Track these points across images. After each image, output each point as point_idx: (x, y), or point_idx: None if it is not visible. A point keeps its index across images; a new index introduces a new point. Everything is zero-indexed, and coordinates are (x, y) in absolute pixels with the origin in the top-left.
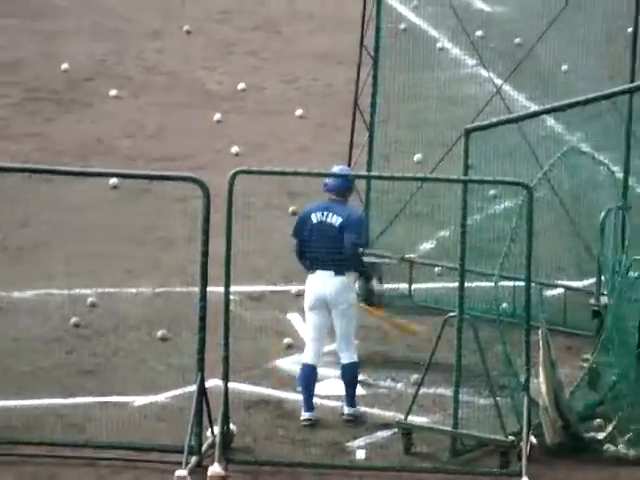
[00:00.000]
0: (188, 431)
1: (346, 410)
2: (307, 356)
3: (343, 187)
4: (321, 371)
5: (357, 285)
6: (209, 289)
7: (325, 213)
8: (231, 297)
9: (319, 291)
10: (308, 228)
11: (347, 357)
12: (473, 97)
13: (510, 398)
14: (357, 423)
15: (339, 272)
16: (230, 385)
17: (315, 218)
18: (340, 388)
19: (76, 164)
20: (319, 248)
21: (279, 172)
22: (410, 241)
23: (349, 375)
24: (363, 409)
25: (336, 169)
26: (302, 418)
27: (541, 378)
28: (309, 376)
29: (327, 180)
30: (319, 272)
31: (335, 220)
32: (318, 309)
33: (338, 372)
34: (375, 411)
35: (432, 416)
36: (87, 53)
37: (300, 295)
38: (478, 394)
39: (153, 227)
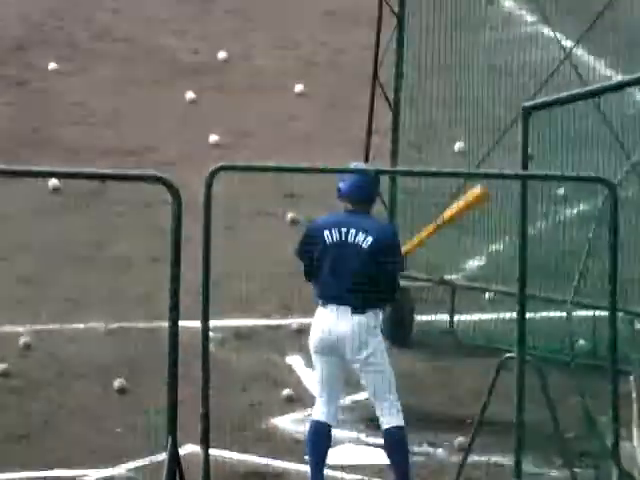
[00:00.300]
0: None
1: None
2: (317, 412)
3: (367, 193)
4: (336, 433)
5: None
6: (182, 324)
7: (345, 230)
8: (211, 334)
9: (329, 333)
10: (319, 249)
11: (388, 420)
12: (533, 65)
13: (593, 469)
14: None
15: (360, 309)
16: (212, 452)
17: (330, 237)
18: (362, 455)
19: (4, 160)
20: (336, 277)
21: (273, 168)
22: (451, 258)
23: (394, 445)
24: None
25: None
26: None
27: (636, 441)
28: (321, 438)
29: (342, 183)
30: (331, 307)
31: (363, 240)
32: (328, 356)
33: (356, 434)
34: None
35: None
36: (19, 15)
37: (303, 331)
38: (548, 464)
39: (106, 243)
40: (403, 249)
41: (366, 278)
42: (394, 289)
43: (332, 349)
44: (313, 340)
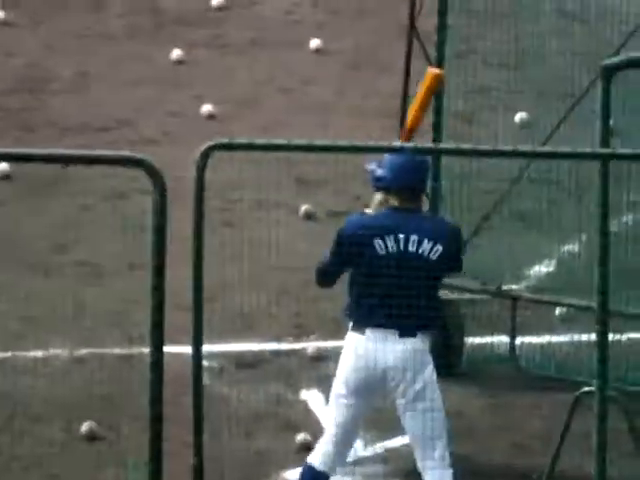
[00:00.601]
0: None
1: None
2: (318, 456)
3: (420, 181)
4: None
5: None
6: (167, 350)
7: (404, 237)
8: (205, 363)
9: (374, 368)
10: (365, 263)
11: (434, 465)
12: (617, 11)
13: None
14: None
15: (410, 332)
16: None
17: (383, 247)
18: None
19: None
20: (389, 297)
21: (282, 146)
22: (512, 263)
23: None
24: None
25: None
26: None
27: None
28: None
29: (381, 169)
30: (372, 333)
31: (430, 250)
32: (364, 397)
33: None
34: None
35: None
36: None
37: (322, 358)
38: None
39: (70, 245)
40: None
41: (429, 297)
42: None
43: (373, 388)
44: (346, 378)
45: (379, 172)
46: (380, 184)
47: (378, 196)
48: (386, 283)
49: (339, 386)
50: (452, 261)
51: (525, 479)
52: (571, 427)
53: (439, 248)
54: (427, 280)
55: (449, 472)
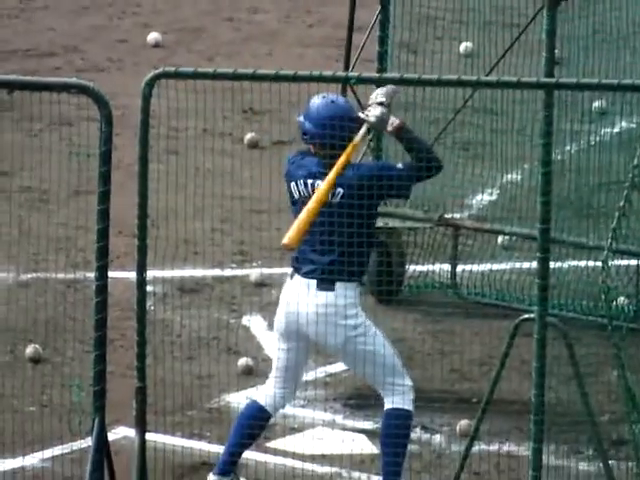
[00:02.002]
0: None
1: None
2: (262, 393)
3: (339, 138)
4: (306, 414)
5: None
6: (111, 274)
7: (312, 182)
8: (149, 288)
9: (294, 317)
10: (290, 202)
11: (390, 400)
12: None
13: (635, 462)
14: None
15: (328, 285)
16: (150, 437)
17: (297, 191)
18: (338, 442)
19: None
20: (304, 242)
21: (227, 75)
22: (454, 191)
23: (389, 430)
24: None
25: (319, 100)
26: None
27: None
28: (252, 426)
29: (307, 122)
30: (297, 279)
31: (332, 195)
32: (293, 341)
33: (332, 416)
34: None
35: None
36: None
37: (264, 286)
38: (575, 454)
39: (15, 171)
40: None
41: (350, 245)
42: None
43: (298, 335)
44: (277, 322)
45: (306, 125)
46: (305, 137)
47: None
48: None
49: (274, 330)
50: (369, 196)
51: (465, 404)
52: (511, 354)
53: (340, 191)
54: (337, 226)
55: (406, 400)
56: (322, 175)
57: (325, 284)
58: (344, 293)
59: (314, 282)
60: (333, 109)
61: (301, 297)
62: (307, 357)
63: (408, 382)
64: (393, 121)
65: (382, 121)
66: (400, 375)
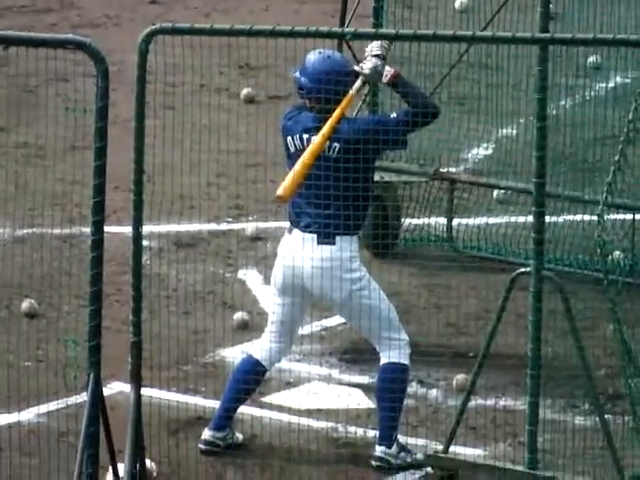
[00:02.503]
0: (75, 472)
1: (376, 450)
2: (258, 348)
3: (333, 92)
4: (301, 369)
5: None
6: (107, 229)
7: (307, 137)
8: (145, 243)
9: (292, 271)
10: (286, 155)
11: (386, 355)
12: None
13: (631, 416)
14: (389, 470)
15: (328, 239)
16: (145, 392)
17: (293, 145)
18: (334, 397)
19: None
20: (301, 195)
21: (223, 31)
22: (450, 146)
23: (384, 384)
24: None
25: (315, 56)
26: (202, 437)
27: None
28: (247, 380)
29: (303, 77)
30: (296, 234)
31: (328, 148)
32: (290, 295)
33: (327, 371)
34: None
35: (490, 447)
36: None
37: (260, 240)
38: (571, 408)
39: (11, 127)
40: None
41: (347, 198)
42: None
43: (296, 290)
44: (274, 276)
45: (302, 81)
46: (301, 92)
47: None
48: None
49: (271, 284)
50: (364, 150)
51: (461, 358)
52: (507, 307)
53: (336, 145)
54: (335, 180)
55: (402, 354)
56: (317, 130)
57: (326, 238)
58: (345, 246)
59: (314, 236)
60: (329, 64)
61: (301, 251)
62: (304, 312)
63: (404, 336)
64: (388, 72)
65: (377, 73)
66: (396, 329)
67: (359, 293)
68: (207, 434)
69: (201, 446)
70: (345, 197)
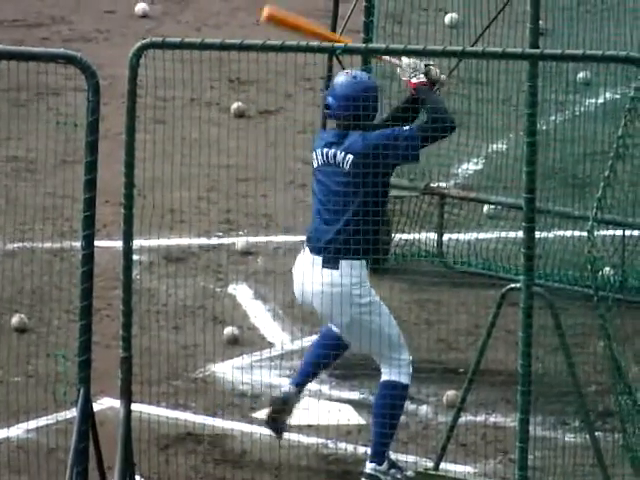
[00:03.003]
0: None
1: (367, 467)
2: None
3: (361, 110)
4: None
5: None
6: (98, 243)
7: (328, 151)
8: (135, 257)
9: (302, 289)
10: (313, 167)
11: (386, 373)
12: None
13: (621, 433)
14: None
15: (333, 262)
16: (135, 408)
17: (316, 159)
18: (325, 413)
19: None
20: (316, 212)
21: (213, 45)
22: (439, 161)
23: (383, 401)
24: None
25: (342, 77)
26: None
27: None
28: (326, 346)
29: (330, 97)
30: (307, 253)
31: (343, 159)
32: (307, 306)
33: (318, 387)
34: None
35: (481, 464)
36: None
37: (250, 254)
38: (562, 425)
39: (2, 141)
40: None
41: (357, 221)
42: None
43: (310, 305)
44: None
45: (328, 100)
46: (328, 111)
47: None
48: (316, 197)
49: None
50: (374, 164)
51: (451, 374)
52: (497, 323)
53: (349, 157)
54: (345, 196)
55: (402, 374)
56: (338, 145)
57: (330, 263)
58: (349, 272)
59: (319, 259)
60: (353, 87)
61: (308, 273)
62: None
63: (405, 356)
64: (419, 79)
65: (410, 68)
66: (399, 349)
67: (361, 318)
68: (286, 389)
69: (275, 398)
70: (354, 216)
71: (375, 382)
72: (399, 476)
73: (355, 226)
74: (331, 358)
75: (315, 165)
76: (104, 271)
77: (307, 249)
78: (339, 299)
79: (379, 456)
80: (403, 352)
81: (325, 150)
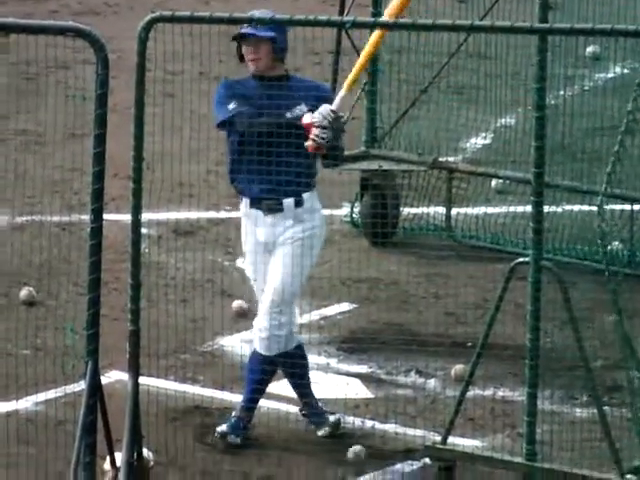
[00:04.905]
0: (72, 461)
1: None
2: (256, 342)
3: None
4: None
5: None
6: (106, 217)
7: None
8: (143, 231)
9: (255, 239)
10: (242, 119)
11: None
12: None
13: (629, 408)
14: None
15: (277, 206)
16: (143, 381)
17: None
18: (333, 386)
19: None
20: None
21: (222, 19)
22: (449, 135)
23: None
24: (365, 421)
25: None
26: (218, 429)
27: None
28: (260, 367)
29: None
30: (250, 207)
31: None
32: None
33: (326, 360)
34: (390, 427)
35: (489, 438)
36: None
37: None
38: (570, 400)
39: (11, 114)
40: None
41: (296, 158)
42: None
43: (266, 257)
44: (246, 254)
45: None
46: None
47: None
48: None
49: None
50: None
51: (459, 348)
52: (505, 297)
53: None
54: (287, 145)
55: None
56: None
57: (275, 207)
58: (293, 208)
59: (267, 203)
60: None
61: (259, 221)
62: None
63: (288, 318)
64: (323, 140)
65: (321, 116)
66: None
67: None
68: (224, 429)
69: (219, 439)
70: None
71: (383, 356)
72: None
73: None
74: (267, 377)
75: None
76: (112, 244)
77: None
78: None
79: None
80: (295, 313)
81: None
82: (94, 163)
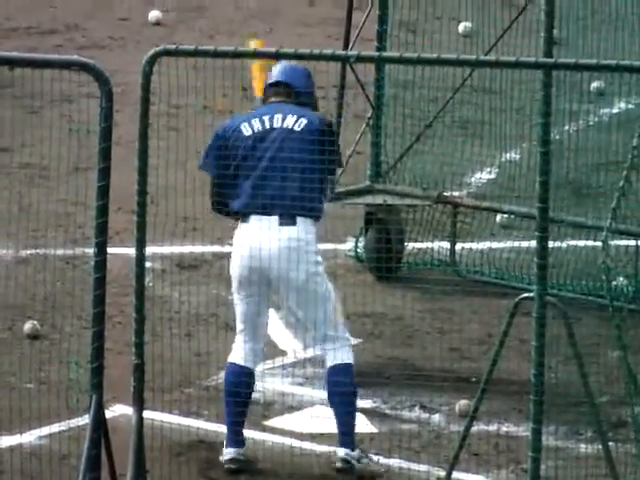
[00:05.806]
0: None
1: (340, 453)
2: (235, 355)
3: (289, 78)
4: (304, 393)
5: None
6: (110, 251)
7: (269, 117)
8: (147, 264)
9: (252, 254)
10: (235, 152)
11: (332, 356)
12: None
13: (634, 444)
14: (358, 477)
15: (291, 219)
16: (147, 415)
17: (250, 129)
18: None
19: None
20: (262, 178)
21: (227, 53)
22: (452, 170)
23: (339, 386)
24: (374, 457)
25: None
26: (223, 459)
27: None
28: (239, 384)
29: (275, 70)
30: (255, 219)
31: (294, 122)
32: (255, 286)
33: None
34: (394, 462)
35: (493, 473)
36: None
37: None
38: (575, 435)
39: (16, 147)
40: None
41: (299, 171)
42: (323, 194)
43: (261, 277)
44: (235, 266)
45: (273, 71)
46: (265, 84)
47: None
48: (257, 164)
49: (233, 281)
50: (322, 142)
51: (464, 383)
52: (510, 333)
53: (303, 120)
54: (294, 152)
55: (347, 354)
56: (275, 111)
57: (286, 219)
58: (305, 228)
59: (276, 219)
60: (303, 69)
61: (264, 234)
62: (268, 305)
63: (349, 336)
64: None
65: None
66: (343, 329)
67: (316, 279)
68: (228, 452)
69: (231, 466)
70: (308, 177)
71: (387, 390)
72: (371, 462)
73: (305, 188)
74: (246, 390)
75: (248, 134)
76: (116, 278)
77: (254, 217)
78: (296, 254)
79: (349, 442)
80: (347, 332)
81: (265, 117)
82: (98, 197)
